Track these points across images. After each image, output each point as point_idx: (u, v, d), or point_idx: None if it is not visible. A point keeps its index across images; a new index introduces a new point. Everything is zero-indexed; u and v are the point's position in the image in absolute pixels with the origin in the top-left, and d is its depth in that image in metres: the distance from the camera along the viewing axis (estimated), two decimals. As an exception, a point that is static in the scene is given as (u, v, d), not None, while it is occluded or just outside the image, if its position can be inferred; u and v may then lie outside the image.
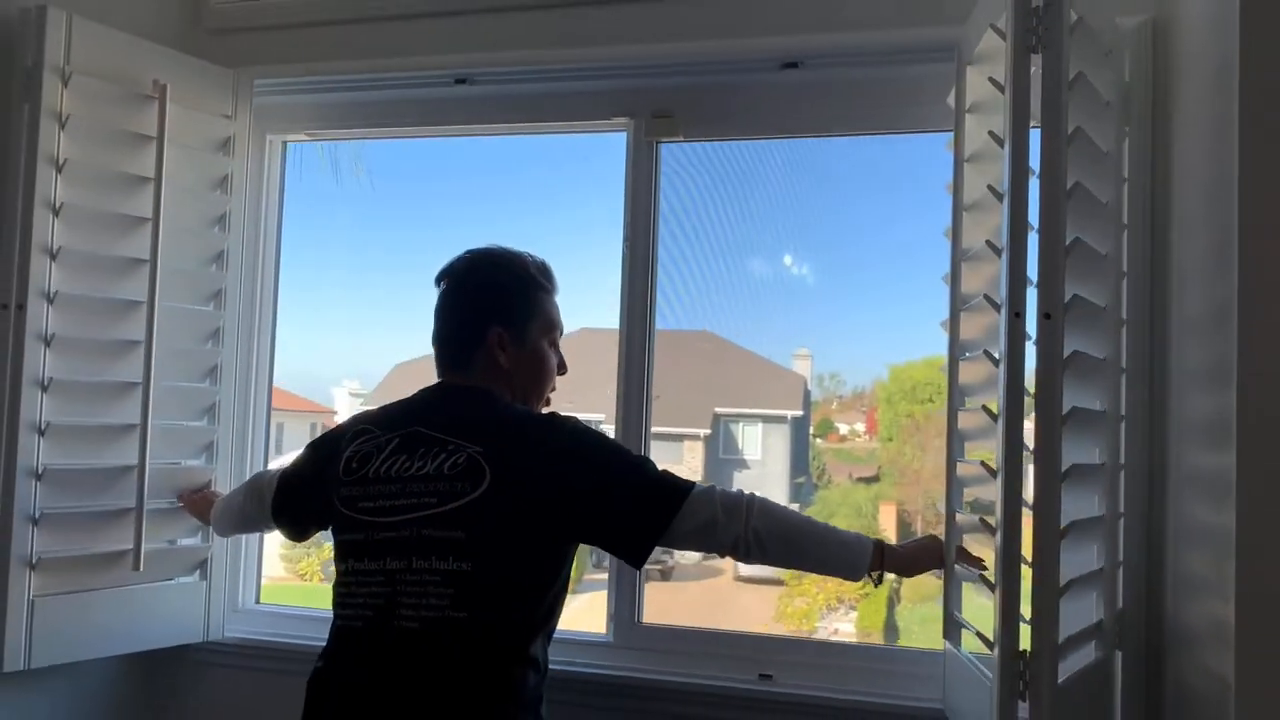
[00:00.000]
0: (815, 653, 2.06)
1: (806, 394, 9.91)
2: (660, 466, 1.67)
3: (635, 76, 2.16)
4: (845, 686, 1.97)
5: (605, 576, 2.15)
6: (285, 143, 2.40)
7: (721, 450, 9.43)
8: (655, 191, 2.17)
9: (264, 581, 2.40)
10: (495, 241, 1.80)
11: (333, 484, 1.64)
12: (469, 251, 1.77)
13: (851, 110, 2.08)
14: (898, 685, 1.94)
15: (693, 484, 1.63)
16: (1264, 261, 1.31)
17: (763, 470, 9.43)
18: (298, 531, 1.80)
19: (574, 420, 1.65)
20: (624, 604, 2.12)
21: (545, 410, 1.74)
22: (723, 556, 1.66)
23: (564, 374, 1.80)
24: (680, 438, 9.52)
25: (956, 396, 1.75)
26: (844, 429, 10.63)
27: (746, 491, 1.65)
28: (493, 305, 1.70)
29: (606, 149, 2.28)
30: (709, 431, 9.33)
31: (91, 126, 1.96)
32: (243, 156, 2.21)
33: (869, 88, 2.06)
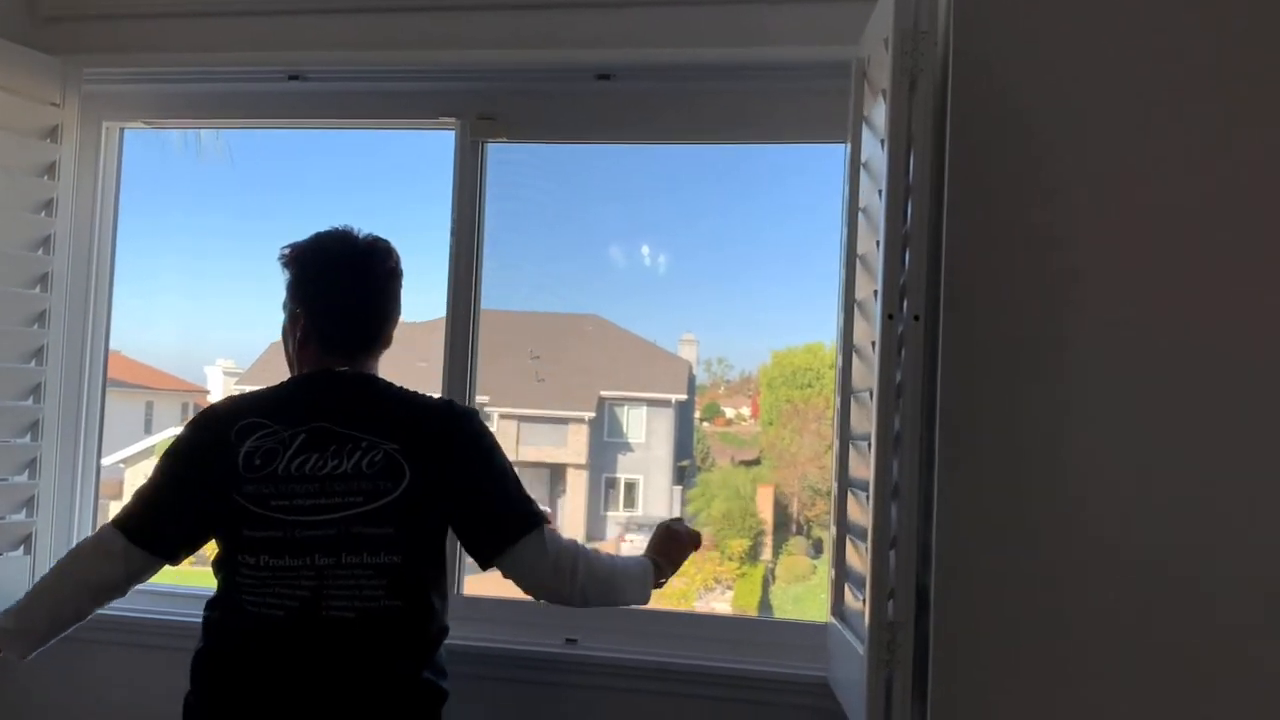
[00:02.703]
0: (620, 618, 2.24)
1: (691, 378, 10.12)
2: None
3: (461, 79, 2.28)
4: (647, 648, 2.13)
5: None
6: (122, 130, 2.45)
7: (606, 433, 9.58)
8: (481, 188, 2.30)
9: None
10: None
11: (230, 481, 1.63)
12: (357, 232, 1.78)
13: (666, 120, 2.24)
14: (703, 649, 2.12)
15: (542, 514, 1.73)
16: (961, 271, 1.54)
17: (646, 453, 9.62)
18: (171, 549, 1.68)
19: (470, 412, 1.77)
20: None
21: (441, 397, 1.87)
22: (537, 600, 1.78)
23: None
24: (565, 421, 9.64)
25: (847, 386, 1.88)
26: (730, 413, 10.88)
27: (573, 543, 1.76)
28: (398, 292, 1.79)
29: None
30: (594, 415, 9.46)
31: (-87, 112, 2.00)
32: (71, 143, 2.26)
33: (679, 99, 2.23)
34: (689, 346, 10.03)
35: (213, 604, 1.68)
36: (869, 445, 1.64)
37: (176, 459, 1.70)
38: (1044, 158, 1.56)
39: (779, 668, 2.05)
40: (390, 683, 1.62)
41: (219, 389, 8.94)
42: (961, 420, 1.55)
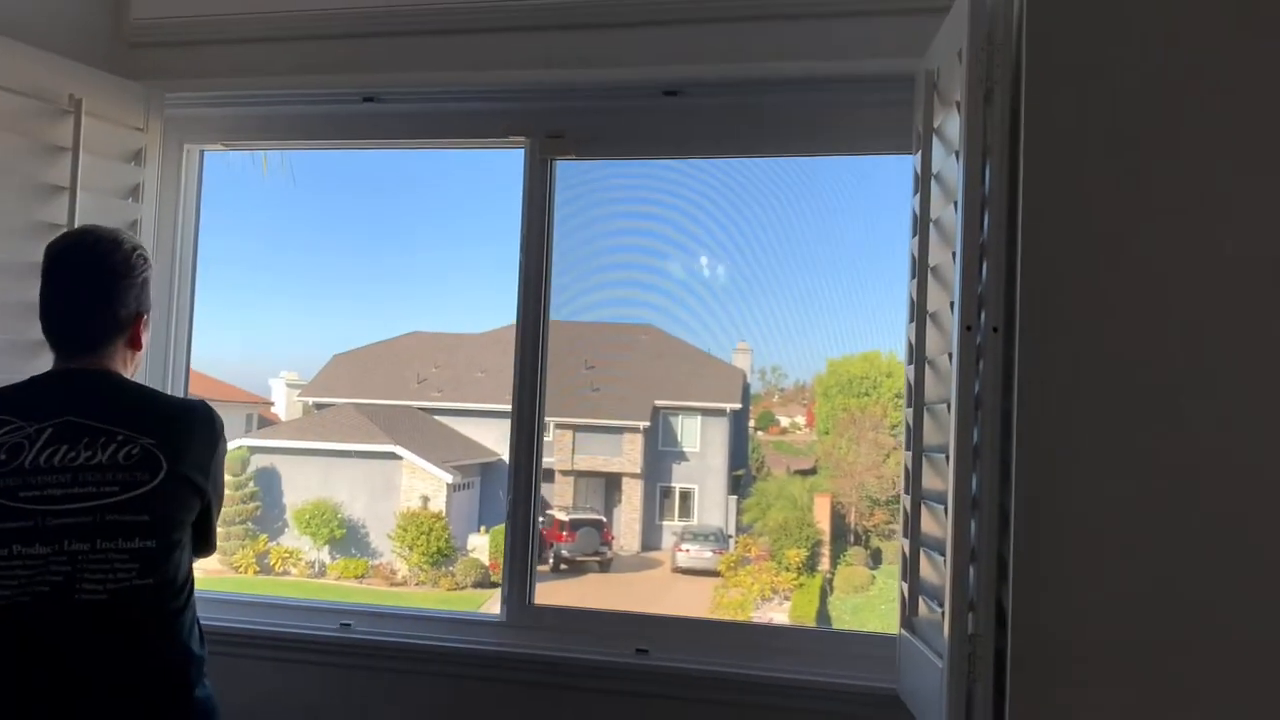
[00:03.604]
0: (689, 629, 2.26)
1: (746, 387, 10.11)
2: None
3: (530, 99, 2.33)
4: (716, 659, 2.14)
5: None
6: (202, 152, 2.54)
7: (660, 442, 9.61)
8: (550, 204, 2.34)
9: (201, 574, 2.52)
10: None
11: None
12: (98, 230, 1.81)
13: (732, 135, 2.27)
14: (771, 660, 2.12)
15: None
16: (1038, 283, 1.53)
17: (702, 463, 9.62)
18: None
19: (216, 414, 1.83)
20: (515, 588, 2.30)
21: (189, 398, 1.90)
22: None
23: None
24: (620, 430, 9.68)
25: (919, 399, 1.88)
26: (785, 422, 10.84)
27: None
28: (143, 288, 1.81)
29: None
30: (648, 424, 9.50)
31: (9, 139, 2.09)
32: (154, 166, 2.34)
33: (745, 113, 2.25)
34: (743, 355, 10.03)
35: None
36: (946, 458, 1.63)
37: None
38: (1120, 167, 1.54)
39: (848, 679, 2.05)
40: (143, 653, 1.67)
41: (282, 401, 9.07)
42: (1040, 433, 1.54)
